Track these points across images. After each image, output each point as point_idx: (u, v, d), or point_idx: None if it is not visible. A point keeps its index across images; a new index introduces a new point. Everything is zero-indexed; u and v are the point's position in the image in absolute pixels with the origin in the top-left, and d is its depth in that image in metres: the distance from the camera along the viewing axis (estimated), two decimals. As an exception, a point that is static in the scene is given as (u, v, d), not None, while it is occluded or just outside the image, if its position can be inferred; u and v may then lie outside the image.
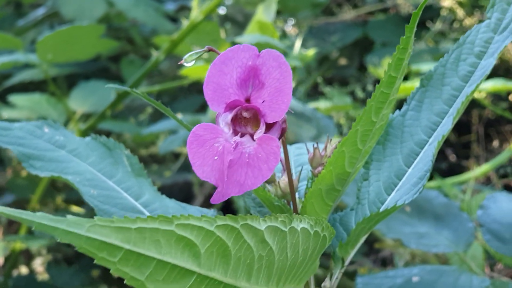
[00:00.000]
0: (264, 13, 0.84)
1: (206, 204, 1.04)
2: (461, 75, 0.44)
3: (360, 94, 0.98)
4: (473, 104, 1.14)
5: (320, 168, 0.42)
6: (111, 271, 0.23)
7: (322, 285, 0.45)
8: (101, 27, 0.79)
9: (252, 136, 0.31)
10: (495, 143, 1.13)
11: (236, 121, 0.31)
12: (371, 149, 0.39)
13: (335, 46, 1.21)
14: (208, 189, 1.01)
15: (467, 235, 0.68)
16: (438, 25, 1.10)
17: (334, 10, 1.31)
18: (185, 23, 0.79)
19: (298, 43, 0.88)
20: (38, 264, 0.99)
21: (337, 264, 0.44)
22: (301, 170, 0.44)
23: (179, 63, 0.36)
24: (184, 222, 0.24)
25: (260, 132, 0.31)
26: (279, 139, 0.34)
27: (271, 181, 0.42)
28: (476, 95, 0.88)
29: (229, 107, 0.31)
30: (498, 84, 0.81)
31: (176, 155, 1.04)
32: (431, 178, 0.86)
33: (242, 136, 0.31)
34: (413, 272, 0.62)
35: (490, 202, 0.71)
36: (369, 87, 1.10)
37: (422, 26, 1.18)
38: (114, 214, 0.42)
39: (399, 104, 0.47)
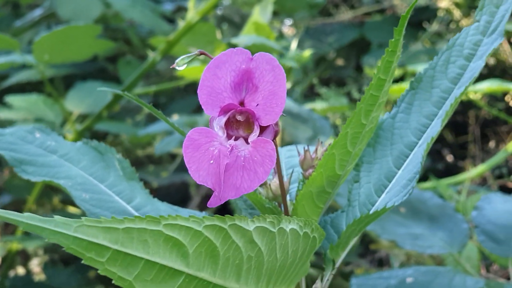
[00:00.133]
0: (261, 14, 0.85)
1: (203, 204, 1.04)
2: (451, 77, 0.45)
3: (356, 95, 0.98)
4: (470, 104, 1.14)
5: (310, 171, 0.42)
6: (99, 271, 0.23)
7: (313, 286, 0.45)
8: (98, 27, 0.79)
9: (245, 139, 0.31)
10: (492, 144, 1.13)
11: (228, 125, 0.32)
12: (361, 151, 0.40)
13: (332, 47, 1.21)
14: (205, 189, 1.01)
15: (461, 236, 0.68)
16: (434, 26, 1.10)
17: (331, 11, 1.31)
18: (181, 24, 0.79)
19: (294, 44, 0.88)
20: (35, 265, 1.00)
21: (328, 266, 0.44)
22: (292, 172, 0.44)
23: (171, 67, 0.36)
24: (171, 222, 0.25)
25: (254, 135, 0.31)
26: (273, 140, 0.34)
27: (262, 183, 0.42)
28: (472, 96, 0.88)
29: (224, 110, 0.31)
30: (493, 85, 0.81)
31: (172, 156, 1.04)
32: (426, 178, 0.86)
33: (235, 139, 0.31)
34: (407, 273, 0.63)
35: (484, 203, 0.71)
36: (366, 88, 1.10)
37: (419, 27, 1.18)
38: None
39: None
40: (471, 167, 0.99)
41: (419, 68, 0.90)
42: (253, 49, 0.80)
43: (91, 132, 1.02)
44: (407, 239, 0.67)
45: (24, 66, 0.94)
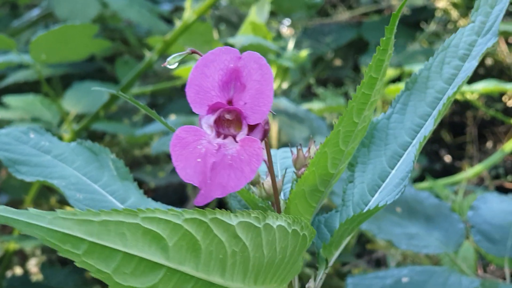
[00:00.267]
0: (257, 14, 0.85)
1: (202, 204, 1.04)
2: (445, 78, 0.45)
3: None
4: (468, 105, 1.14)
5: (303, 170, 0.42)
6: (76, 263, 0.23)
7: (307, 285, 0.45)
8: (94, 26, 0.79)
9: (235, 138, 0.32)
10: (489, 144, 1.13)
11: (219, 123, 0.32)
12: (354, 150, 0.39)
13: (329, 47, 1.22)
14: (202, 189, 1.01)
15: (457, 236, 0.69)
16: (432, 26, 1.10)
17: (329, 11, 1.31)
18: (178, 23, 0.79)
19: (291, 44, 0.88)
20: (33, 265, 1.00)
21: (321, 264, 0.44)
22: (285, 171, 0.44)
23: (162, 65, 0.36)
24: (149, 215, 0.24)
25: (242, 134, 0.31)
26: (261, 140, 0.34)
27: (255, 182, 0.42)
28: (469, 96, 0.88)
29: (212, 109, 0.31)
30: (490, 86, 0.81)
31: (170, 156, 1.04)
32: (423, 179, 0.86)
33: (225, 138, 0.31)
34: (403, 273, 0.63)
35: (480, 203, 0.72)
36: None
37: (416, 27, 1.18)
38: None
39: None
40: (469, 168, 0.99)
41: (416, 68, 0.90)
42: (250, 49, 0.80)
43: (88, 132, 1.02)
44: (403, 239, 0.67)
45: (21, 66, 0.94)
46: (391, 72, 0.85)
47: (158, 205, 0.48)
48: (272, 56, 0.83)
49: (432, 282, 0.62)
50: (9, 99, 0.91)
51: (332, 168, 0.38)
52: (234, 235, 0.27)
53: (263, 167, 0.42)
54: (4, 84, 0.99)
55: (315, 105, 0.90)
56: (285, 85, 0.86)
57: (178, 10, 1.25)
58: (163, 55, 0.85)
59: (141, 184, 1.14)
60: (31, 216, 0.21)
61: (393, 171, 0.43)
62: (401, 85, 0.84)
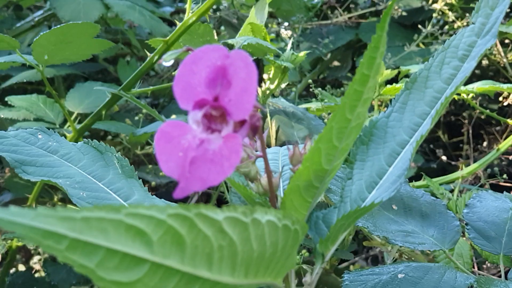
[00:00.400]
0: (257, 15, 0.86)
1: (203, 202, 1.05)
2: (444, 78, 0.46)
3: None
4: (464, 105, 1.15)
5: (299, 165, 0.43)
6: (59, 259, 0.23)
7: (303, 280, 0.46)
8: (96, 26, 0.79)
9: (220, 133, 0.32)
10: (485, 144, 1.14)
11: (210, 119, 0.32)
12: (349, 147, 0.40)
13: (328, 48, 1.23)
14: (202, 188, 1.02)
15: (452, 233, 0.69)
16: (429, 28, 1.11)
17: (327, 13, 1.32)
18: (178, 25, 0.81)
19: (289, 44, 0.89)
20: (35, 262, 1.01)
21: (318, 259, 0.45)
22: (282, 168, 0.46)
23: (157, 63, 0.38)
24: (132, 211, 0.24)
25: (227, 130, 0.32)
26: (253, 136, 0.35)
27: (253, 179, 0.43)
28: (465, 96, 0.90)
29: (198, 105, 0.32)
30: (485, 86, 0.83)
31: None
32: (420, 177, 0.87)
33: (213, 132, 0.32)
34: (399, 269, 0.63)
35: (476, 201, 0.73)
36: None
37: (413, 28, 1.19)
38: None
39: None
40: (465, 167, 1.00)
41: (413, 69, 0.91)
42: (248, 48, 0.81)
43: (91, 131, 1.03)
44: (399, 236, 0.68)
45: (25, 66, 0.96)
46: (387, 73, 0.86)
47: (161, 202, 0.49)
48: (271, 56, 0.84)
49: (428, 278, 0.63)
50: (13, 99, 0.92)
51: (326, 164, 0.39)
52: (220, 229, 0.27)
53: (262, 164, 0.43)
54: (8, 84, 1.00)
55: (313, 105, 0.91)
56: (283, 85, 0.87)
57: (179, 12, 1.27)
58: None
59: (142, 182, 1.15)
60: (13, 214, 0.21)
61: (391, 169, 0.45)
62: (398, 86, 0.85)
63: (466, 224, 0.70)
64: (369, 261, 0.98)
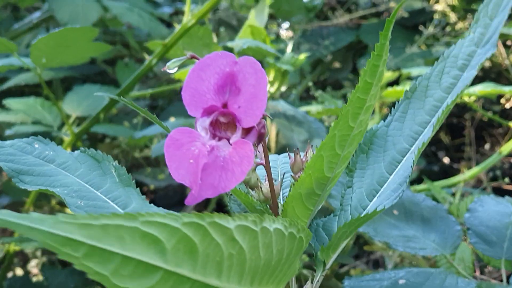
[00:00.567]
0: (256, 18, 0.85)
1: (201, 206, 1.05)
2: (444, 87, 0.46)
3: (352, 97, 0.98)
4: (466, 107, 1.15)
5: (300, 173, 0.43)
6: (75, 266, 0.23)
7: (304, 287, 0.46)
8: (95, 30, 0.79)
9: (229, 140, 0.32)
10: (487, 146, 1.14)
11: (216, 126, 0.32)
12: (350, 155, 0.40)
13: (328, 49, 1.22)
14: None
15: (454, 238, 0.69)
16: (430, 29, 1.11)
17: (327, 14, 1.32)
18: (177, 27, 0.80)
19: (289, 47, 0.88)
20: (33, 266, 1.00)
21: (319, 267, 0.45)
22: (284, 175, 0.45)
23: (162, 70, 0.37)
24: (149, 219, 0.25)
25: (236, 137, 0.32)
26: (258, 143, 0.35)
27: (254, 186, 0.43)
28: (467, 99, 0.89)
29: (206, 112, 0.32)
30: (487, 88, 0.82)
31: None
32: (421, 181, 0.87)
33: (220, 140, 0.32)
34: (399, 275, 0.63)
35: (477, 206, 0.72)
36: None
37: (414, 30, 1.19)
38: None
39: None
40: (467, 169, 1.00)
41: (414, 71, 0.91)
42: (249, 52, 0.80)
43: (89, 134, 1.03)
44: (400, 241, 0.68)
45: (22, 69, 0.95)
46: (389, 75, 0.85)
47: (159, 210, 0.49)
48: (271, 59, 0.83)
49: (429, 284, 0.62)
50: (10, 102, 0.91)
51: (328, 171, 0.39)
52: (231, 238, 0.28)
53: (263, 172, 0.43)
54: (5, 87, 1.00)
55: (314, 108, 0.90)
56: (284, 88, 0.87)
57: (178, 13, 1.26)
58: (163, 59, 0.86)
59: (141, 185, 1.15)
60: (33, 221, 0.21)
61: (391, 177, 0.44)
62: (399, 88, 0.84)
63: (468, 228, 0.70)
64: (370, 265, 0.98)
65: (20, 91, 1.11)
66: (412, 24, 1.20)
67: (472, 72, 0.43)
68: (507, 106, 1.00)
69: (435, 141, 1.24)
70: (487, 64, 1.12)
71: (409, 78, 0.96)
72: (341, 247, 0.46)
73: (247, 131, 0.33)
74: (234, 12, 1.18)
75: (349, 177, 0.47)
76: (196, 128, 0.32)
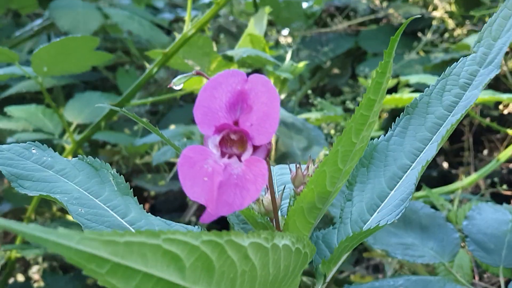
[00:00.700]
0: (256, 26, 0.86)
1: (200, 211, 1.05)
2: (446, 104, 0.46)
3: (351, 105, 0.99)
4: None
5: (302, 187, 0.43)
6: (98, 282, 0.24)
7: (304, 299, 0.46)
8: (96, 39, 0.80)
9: (238, 157, 0.33)
10: (486, 152, 1.14)
11: (223, 143, 0.33)
12: (351, 168, 0.41)
13: (327, 56, 1.23)
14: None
15: (452, 246, 0.70)
16: (429, 36, 1.11)
17: (326, 21, 1.32)
18: (178, 37, 0.81)
19: (289, 55, 0.89)
20: (34, 272, 1.01)
21: (319, 280, 0.46)
22: (284, 188, 0.46)
23: (168, 86, 0.38)
24: (170, 237, 0.25)
25: (247, 154, 0.32)
26: (265, 159, 0.35)
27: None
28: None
29: (218, 130, 0.32)
30: (485, 96, 0.83)
31: (169, 164, 1.05)
32: (419, 188, 0.88)
33: (229, 157, 0.32)
34: (398, 283, 0.63)
35: (475, 213, 0.73)
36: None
37: (413, 36, 1.19)
38: (102, 232, 0.43)
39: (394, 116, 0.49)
40: (465, 175, 1.00)
41: (412, 79, 0.91)
42: (248, 60, 0.81)
43: (90, 141, 1.03)
44: (398, 249, 0.68)
45: (24, 77, 0.96)
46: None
47: (158, 219, 0.49)
48: (270, 67, 0.84)
49: (428, 291, 0.63)
50: (12, 109, 0.92)
51: (330, 186, 0.39)
52: (245, 255, 0.28)
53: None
54: (7, 95, 1.00)
55: (313, 115, 0.91)
56: (283, 96, 0.87)
57: (179, 20, 1.26)
58: (163, 67, 0.86)
59: (141, 191, 1.15)
60: (60, 236, 0.22)
61: (392, 192, 0.45)
62: (397, 96, 0.85)
63: (466, 236, 0.70)
64: (370, 270, 0.98)
65: (21, 98, 1.11)
66: (411, 31, 1.20)
67: (475, 91, 0.43)
68: (505, 112, 1.01)
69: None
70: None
71: (408, 85, 0.97)
72: (342, 259, 0.47)
73: (255, 148, 0.33)
74: (234, 19, 1.19)
75: (349, 190, 0.47)
76: (207, 145, 0.33)
